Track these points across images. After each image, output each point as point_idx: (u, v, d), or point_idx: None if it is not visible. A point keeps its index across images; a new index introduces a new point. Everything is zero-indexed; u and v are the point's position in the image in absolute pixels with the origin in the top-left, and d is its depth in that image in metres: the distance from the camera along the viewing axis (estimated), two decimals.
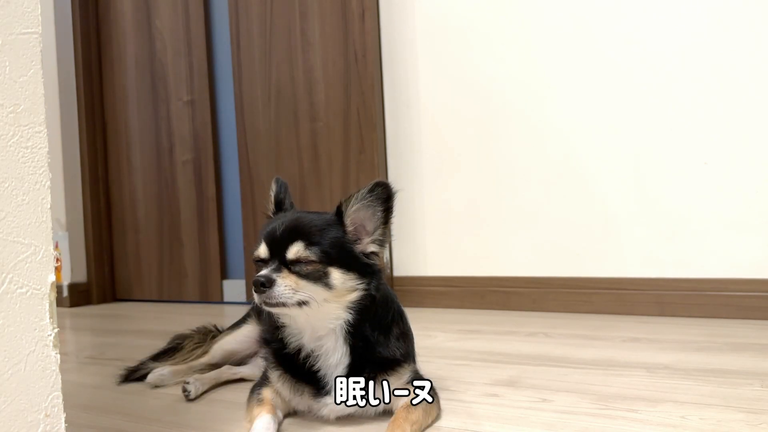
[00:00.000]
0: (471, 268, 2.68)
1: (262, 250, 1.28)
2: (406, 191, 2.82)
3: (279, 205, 1.41)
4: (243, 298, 3.20)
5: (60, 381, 0.87)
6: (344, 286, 1.28)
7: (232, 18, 3.15)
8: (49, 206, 0.87)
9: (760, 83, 2.17)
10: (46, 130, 0.87)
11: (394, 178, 2.85)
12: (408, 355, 1.37)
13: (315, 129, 2.95)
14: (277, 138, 3.06)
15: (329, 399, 1.30)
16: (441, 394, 1.39)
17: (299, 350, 1.32)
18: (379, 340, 1.33)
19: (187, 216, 3.42)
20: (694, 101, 2.27)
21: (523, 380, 1.59)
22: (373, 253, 1.31)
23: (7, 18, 0.83)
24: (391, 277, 2.84)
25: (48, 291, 0.87)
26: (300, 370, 1.33)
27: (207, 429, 1.36)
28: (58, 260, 3.53)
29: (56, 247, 3.53)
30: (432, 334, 2.22)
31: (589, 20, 2.44)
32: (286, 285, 1.22)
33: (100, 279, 3.60)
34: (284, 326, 1.34)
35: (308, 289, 1.24)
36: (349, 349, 1.31)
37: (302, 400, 1.35)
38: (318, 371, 1.31)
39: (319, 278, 1.25)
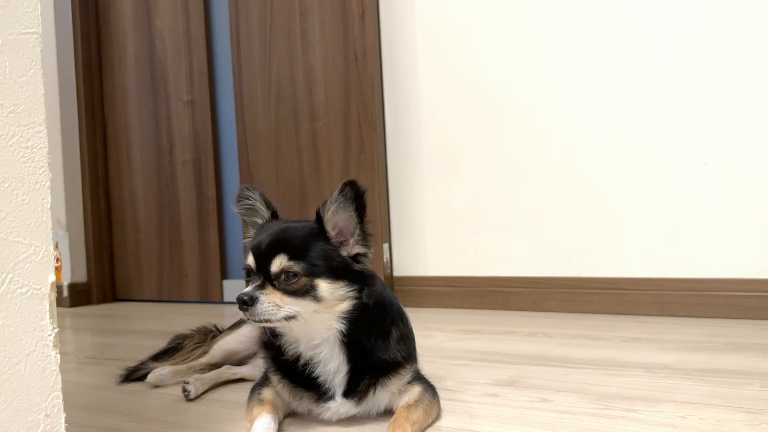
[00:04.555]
0: (471, 268, 2.68)
1: (251, 261, 1.27)
2: (406, 191, 2.82)
3: (275, 214, 1.39)
4: None
5: (60, 381, 0.87)
6: (333, 296, 1.26)
7: (232, 18, 3.15)
8: (49, 206, 0.87)
9: (760, 83, 2.17)
10: (46, 130, 0.87)
11: (394, 178, 2.85)
12: (409, 357, 1.37)
13: (315, 129, 2.95)
14: (277, 138, 3.06)
15: (331, 404, 1.30)
16: (441, 394, 1.39)
17: (298, 357, 1.31)
18: (378, 345, 1.32)
19: (187, 216, 3.42)
20: (694, 101, 2.27)
21: (523, 380, 1.59)
22: (360, 255, 1.30)
23: (7, 18, 0.83)
24: (391, 277, 2.84)
25: (48, 291, 0.87)
26: (299, 376, 1.32)
27: (207, 429, 1.36)
28: (58, 260, 3.54)
29: (56, 247, 3.54)
30: (432, 334, 2.22)
31: (588, 20, 2.44)
32: (269, 302, 1.22)
33: (100, 279, 3.60)
34: (281, 334, 1.33)
35: (294, 304, 1.23)
36: (346, 357, 1.30)
37: (302, 403, 1.35)
38: (317, 377, 1.30)
39: (306, 292, 1.23)
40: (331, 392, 1.31)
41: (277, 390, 1.36)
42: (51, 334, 0.86)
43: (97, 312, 3.32)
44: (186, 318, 2.87)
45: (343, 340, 1.29)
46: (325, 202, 1.29)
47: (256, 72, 3.09)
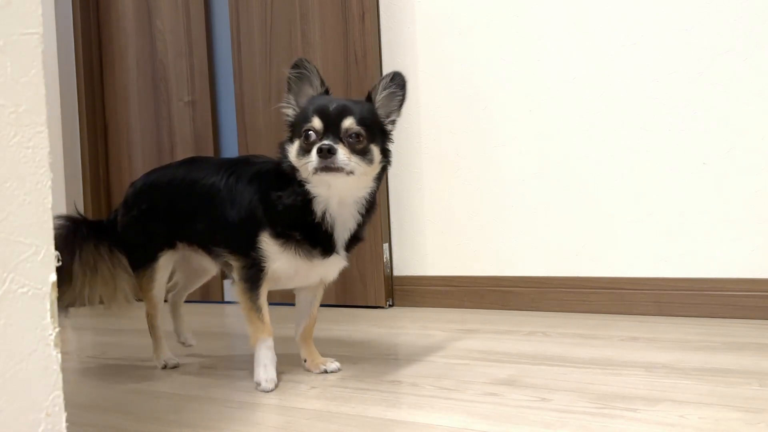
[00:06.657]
0: (470, 268, 2.69)
1: (317, 124, 1.44)
2: (406, 191, 2.83)
3: (327, 91, 1.57)
4: None
5: (61, 380, 0.87)
6: (377, 161, 1.49)
7: (233, 19, 3.16)
8: (50, 206, 0.88)
9: (759, 83, 2.17)
10: (47, 131, 0.88)
11: (394, 178, 2.85)
12: None
13: None
14: (278, 138, 3.05)
15: (333, 257, 1.55)
16: (440, 393, 1.39)
17: (319, 216, 1.51)
18: (365, 220, 1.57)
19: None
20: (693, 101, 2.28)
21: (521, 379, 1.59)
22: (391, 133, 1.56)
23: (9, 19, 0.84)
24: (391, 277, 2.84)
25: (49, 291, 0.87)
26: (311, 234, 1.52)
27: (208, 428, 1.37)
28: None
29: None
30: (431, 333, 2.23)
31: (587, 21, 2.44)
32: (344, 153, 1.40)
33: None
34: (315, 195, 1.49)
35: (355, 162, 1.42)
36: (356, 221, 1.55)
37: (299, 258, 1.53)
38: (331, 235, 1.52)
39: (364, 153, 1.45)
40: (336, 248, 1.53)
41: (272, 268, 1.53)
42: (52, 334, 0.86)
43: (99, 311, 3.32)
44: (187, 317, 2.86)
45: (362, 206, 1.54)
46: (375, 87, 1.53)
47: (257, 72, 3.10)
